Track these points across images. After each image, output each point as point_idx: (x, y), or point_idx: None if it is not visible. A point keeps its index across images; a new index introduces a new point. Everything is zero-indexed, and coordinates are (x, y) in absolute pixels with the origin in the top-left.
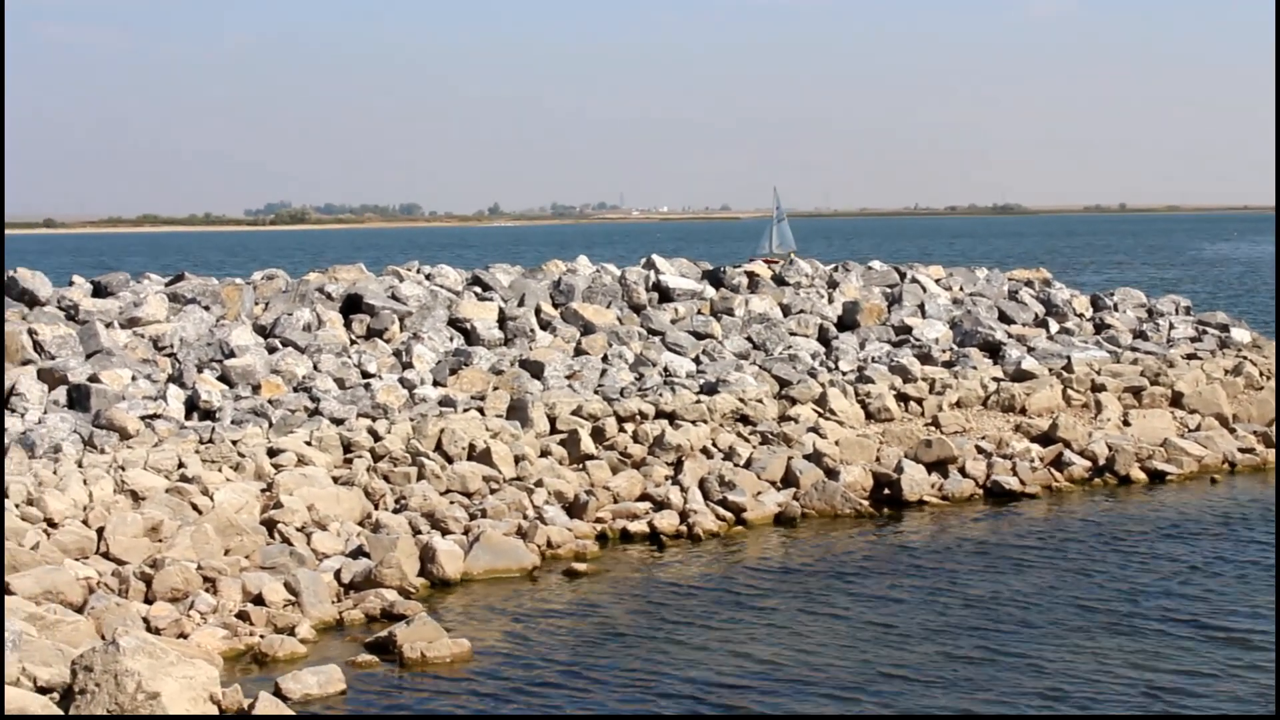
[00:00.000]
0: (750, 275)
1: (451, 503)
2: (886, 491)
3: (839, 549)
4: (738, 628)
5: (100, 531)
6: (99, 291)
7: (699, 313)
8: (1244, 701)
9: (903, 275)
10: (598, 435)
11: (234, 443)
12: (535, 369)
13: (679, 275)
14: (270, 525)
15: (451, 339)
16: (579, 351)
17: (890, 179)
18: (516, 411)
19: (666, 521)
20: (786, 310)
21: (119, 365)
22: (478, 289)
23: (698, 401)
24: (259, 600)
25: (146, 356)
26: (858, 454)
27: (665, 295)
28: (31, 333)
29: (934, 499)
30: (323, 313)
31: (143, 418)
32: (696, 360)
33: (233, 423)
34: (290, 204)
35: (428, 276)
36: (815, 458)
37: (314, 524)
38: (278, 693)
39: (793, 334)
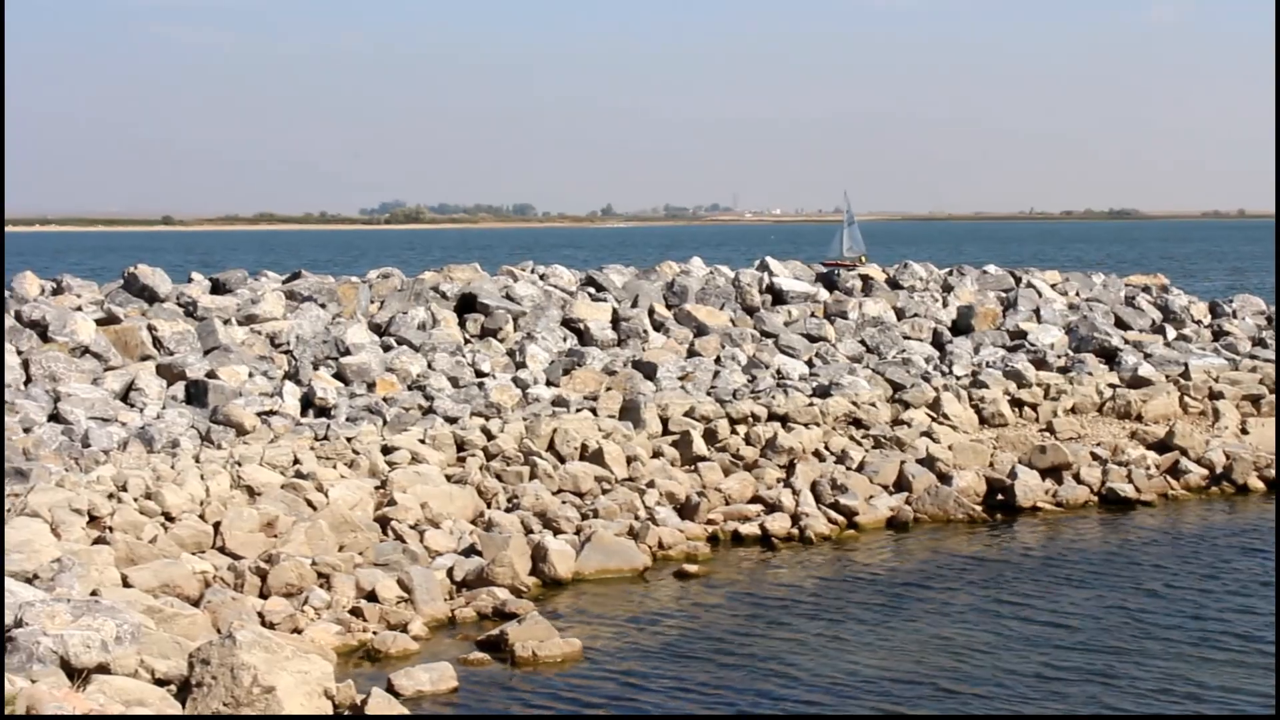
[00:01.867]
0: (864, 278)
1: (564, 502)
2: (1000, 497)
3: (950, 555)
4: (847, 634)
5: (216, 526)
6: (217, 288)
7: (812, 315)
8: None
9: (1018, 280)
10: (710, 437)
11: (349, 440)
12: (648, 370)
13: (792, 277)
14: (384, 522)
15: (565, 339)
16: (692, 353)
17: (1005, 182)
18: (629, 412)
19: (778, 524)
20: (900, 314)
21: (236, 362)
22: (591, 289)
23: (810, 404)
24: (372, 597)
25: (263, 353)
26: (971, 459)
27: (778, 297)
28: (151, 329)
29: (1048, 505)
30: (438, 312)
31: (259, 414)
32: (809, 363)
33: (347, 420)
34: (405, 203)
35: (542, 277)
36: (928, 462)
37: (427, 521)
38: (390, 689)
39: (906, 337)
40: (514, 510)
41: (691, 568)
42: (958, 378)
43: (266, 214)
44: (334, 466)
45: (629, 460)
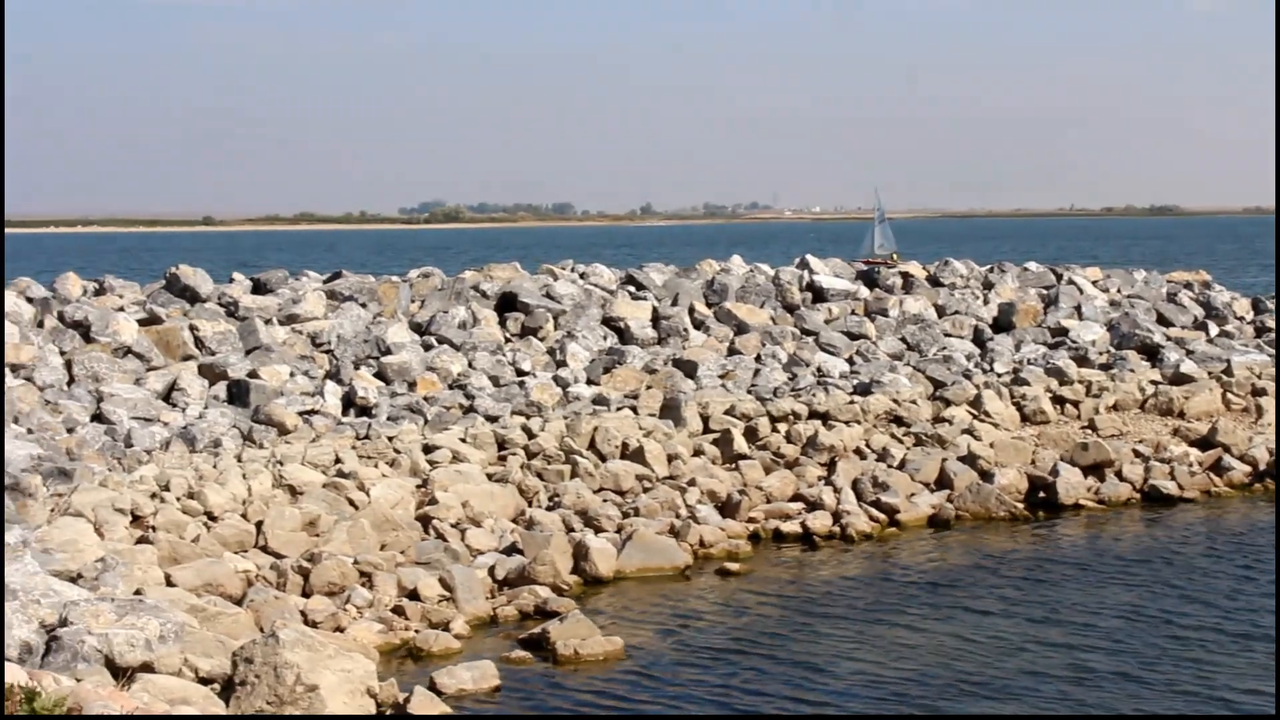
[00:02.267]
0: (905, 276)
1: (605, 501)
2: (1042, 494)
3: (992, 553)
4: (886, 634)
5: (259, 525)
6: (258, 288)
7: (853, 313)
8: None
9: (1059, 276)
10: (751, 435)
11: (390, 439)
12: (689, 368)
13: (833, 275)
14: (425, 521)
15: (605, 338)
16: (732, 351)
17: (1045, 179)
18: (670, 410)
19: (819, 522)
20: (941, 311)
21: (278, 361)
22: (632, 288)
23: (851, 402)
24: (414, 595)
25: (304, 353)
26: (1013, 456)
27: (819, 295)
28: (193, 329)
29: (1090, 503)
30: (478, 311)
31: (301, 413)
32: (850, 361)
33: (389, 419)
34: (444, 203)
35: (582, 275)
36: (970, 460)
37: (468, 520)
38: (432, 687)
39: (947, 335)
40: (555, 509)
41: (733, 566)
42: (999, 375)
43: (306, 214)
44: (375, 465)
45: (670, 458)
